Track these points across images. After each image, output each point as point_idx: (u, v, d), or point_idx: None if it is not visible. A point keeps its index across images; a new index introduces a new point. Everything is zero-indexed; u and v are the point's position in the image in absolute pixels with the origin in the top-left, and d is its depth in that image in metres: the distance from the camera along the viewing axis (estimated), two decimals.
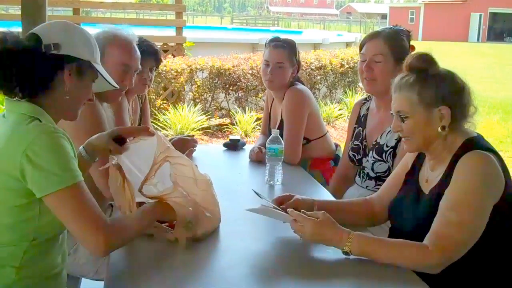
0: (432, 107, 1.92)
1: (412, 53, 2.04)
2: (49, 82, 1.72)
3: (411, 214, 2.02)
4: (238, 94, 8.38)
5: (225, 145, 3.43)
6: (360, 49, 2.77)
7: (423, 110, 1.93)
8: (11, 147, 1.60)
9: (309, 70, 8.97)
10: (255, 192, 2.16)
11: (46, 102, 1.73)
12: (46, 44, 1.69)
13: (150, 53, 3.09)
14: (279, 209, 2.03)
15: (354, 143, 2.90)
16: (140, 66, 2.62)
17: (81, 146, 2.00)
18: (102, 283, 1.73)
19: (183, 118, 7.41)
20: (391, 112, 2.04)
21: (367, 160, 2.77)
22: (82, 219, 1.60)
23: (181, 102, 7.95)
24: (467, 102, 1.96)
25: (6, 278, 1.66)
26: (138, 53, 2.60)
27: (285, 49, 3.24)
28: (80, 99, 1.82)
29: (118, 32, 2.54)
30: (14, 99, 1.71)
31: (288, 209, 1.96)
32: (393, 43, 2.67)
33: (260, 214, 2.01)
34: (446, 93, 1.93)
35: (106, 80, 1.86)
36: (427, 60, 1.97)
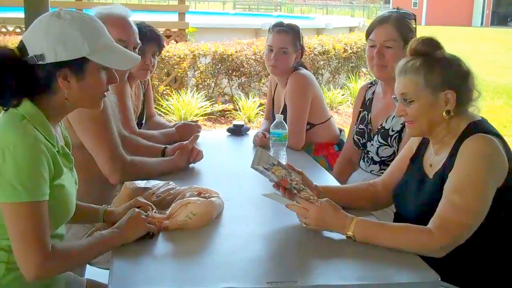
0: (438, 91, 1.92)
1: (416, 37, 2.03)
2: (46, 89, 1.67)
3: (414, 198, 2.02)
4: (241, 79, 8.37)
5: (229, 130, 3.43)
6: (368, 35, 2.74)
7: (429, 94, 1.92)
8: None
9: (312, 55, 8.93)
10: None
11: (48, 103, 1.69)
12: (30, 57, 1.63)
13: (152, 38, 3.08)
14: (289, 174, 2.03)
15: (359, 127, 2.90)
16: (139, 41, 2.61)
17: (102, 209, 2.00)
18: (107, 271, 1.73)
19: (186, 104, 7.41)
20: (393, 96, 2.03)
21: (372, 144, 2.77)
22: (23, 240, 1.56)
23: (184, 88, 7.94)
24: (471, 86, 1.96)
25: None
26: (134, 27, 2.59)
27: (288, 34, 3.23)
28: (92, 93, 1.74)
29: (110, 10, 2.53)
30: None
31: (296, 198, 1.96)
32: (402, 27, 2.65)
33: (271, 199, 2.01)
34: (452, 77, 1.93)
35: (110, 66, 1.75)
36: (433, 44, 1.96)
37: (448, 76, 1.92)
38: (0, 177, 1.56)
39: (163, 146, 2.75)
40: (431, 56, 1.94)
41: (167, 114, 7.36)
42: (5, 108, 1.68)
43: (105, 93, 1.79)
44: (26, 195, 1.56)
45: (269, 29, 3.30)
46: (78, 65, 1.67)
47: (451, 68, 1.94)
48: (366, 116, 2.87)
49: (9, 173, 1.55)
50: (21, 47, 1.67)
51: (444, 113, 1.93)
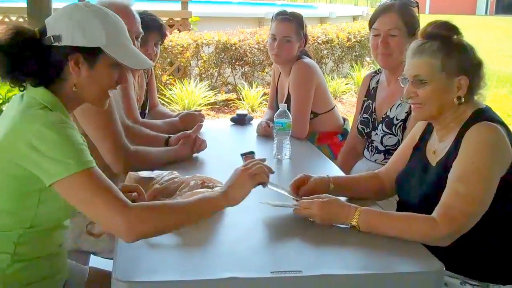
0: (453, 76, 1.91)
1: (432, 21, 2.01)
2: (57, 73, 1.68)
3: (418, 187, 2.02)
4: (245, 69, 8.35)
5: (232, 119, 3.43)
6: (371, 24, 2.73)
7: (444, 78, 1.92)
8: (16, 133, 1.58)
9: (315, 44, 8.91)
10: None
11: (61, 91, 1.71)
12: (48, 37, 1.66)
13: (154, 27, 3.07)
14: (288, 194, 2.04)
15: (363, 116, 2.89)
16: (141, 30, 2.60)
17: None
18: (111, 261, 1.72)
19: (190, 93, 7.40)
20: (402, 77, 2.01)
21: (376, 134, 2.76)
22: (100, 203, 1.54)
23: (187, 78, 7.93)
24: (483, 75, 1.96)
25: (1, 263, 1.66)
26: (137, 16, 2.59)
27: (292, 23, 3.21)
28: (99, 87, 1.75)
29: (112, 0, 2.51)
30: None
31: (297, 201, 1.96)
32: (406, 15, 2.65)
33: (273, 206, 2.00)
34: (468, 64, 1.93)
35: (122, 62, 1.73)
36: (451, 28, 1.96)
37: (465, 62, 1.92)
38: (48, 159, 1.54)
39: (167, 135, 2.75)
40: (448, 40, 1.93)
41: (171, 103, 7.35)
42: (21, 89, 1.70)
43: (109, 92, 1.79)
44: (80, 164, 1.55)
45: (272, 17, 3.29)
46: (91, 54, 1.68)
47: (468, 55, 1.94)
48: (371, 105, 2.86)
49: (54, 151, 1.54)
50: (43, 29, 1.69)
51: (455, 99, 1.92)
